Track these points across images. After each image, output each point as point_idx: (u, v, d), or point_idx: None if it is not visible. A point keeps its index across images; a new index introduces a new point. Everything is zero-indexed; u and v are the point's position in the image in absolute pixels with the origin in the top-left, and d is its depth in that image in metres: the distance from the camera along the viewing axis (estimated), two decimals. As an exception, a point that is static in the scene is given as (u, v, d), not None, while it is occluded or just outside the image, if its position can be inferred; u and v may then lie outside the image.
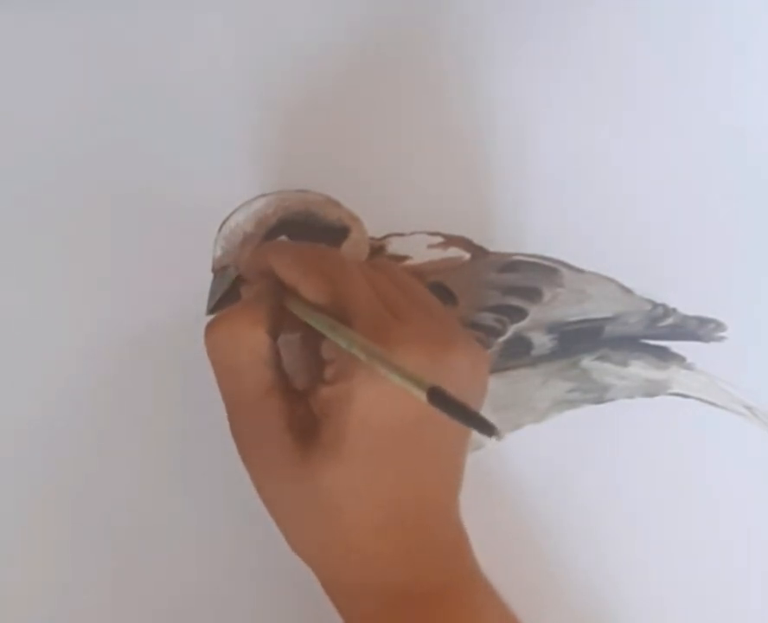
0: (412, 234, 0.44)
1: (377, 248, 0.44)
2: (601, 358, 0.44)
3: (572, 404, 0.44)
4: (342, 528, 0.36)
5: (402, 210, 0.44)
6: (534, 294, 0.44)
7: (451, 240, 0.44)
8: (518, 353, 0.44)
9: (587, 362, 0.44)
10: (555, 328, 0.44)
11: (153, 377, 0.42)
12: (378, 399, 0.34)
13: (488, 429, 0.29)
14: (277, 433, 0.36)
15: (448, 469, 0.38)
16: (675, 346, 0.44)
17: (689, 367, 0.44)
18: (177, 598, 0.41)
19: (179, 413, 0.42)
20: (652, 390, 0.44)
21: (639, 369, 0.44)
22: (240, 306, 0.38)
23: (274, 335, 0.37)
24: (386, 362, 0.32)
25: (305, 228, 0.43)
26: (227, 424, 0.37)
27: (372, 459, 0.35)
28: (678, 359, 0.44)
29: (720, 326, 0.44)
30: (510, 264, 0.44)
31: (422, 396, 0.30)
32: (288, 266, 0.37)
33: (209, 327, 0.37)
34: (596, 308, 0.44)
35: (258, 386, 0.36)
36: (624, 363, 0.44)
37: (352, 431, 0.35)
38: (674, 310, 0.45)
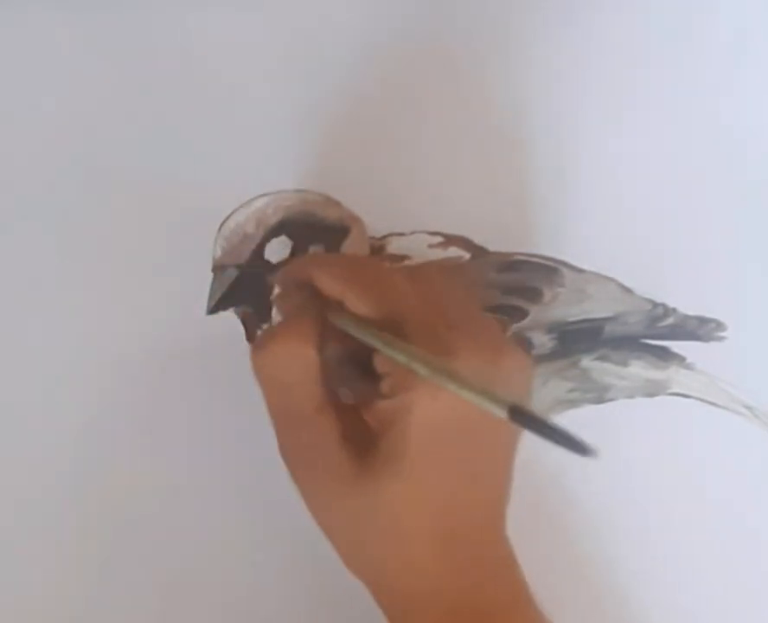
0: (412, 233, 0.44)
1: (377, 248, 0.44)
2: (601, 358, 0.44)
3: (572, 404, 0.44)
4: (401, 541, 0.35)
5: (402, 210, 0.44)
6: (534, 294, 0.44)
7: (451, 240, 0.44)
8: (518, 353, 0.44)
9: (587, 362, 0.44)
10: (555, 328, 0.44)
11: (154, 379, 0.42)
12: (438, 410, 0.34)
13: (580, 449, 0.28)
14: (331, 449, 0.35)
15: (502, 475, 0.37)
16: (675, 346, 0.44)
17: (689, 367, 0.44)
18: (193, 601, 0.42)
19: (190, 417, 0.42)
20: (652, 390, 0.44)
21: (639, 369, 0.44)
22: (288, 324, 0.37)
23: (321, 350, 0.36)
24: (455, 378, 0.31)
25: (305, 228, 0.43)
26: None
27: (432, 470, 0.35)
28: (678, 359, 0.44)
29: (719, 326, 0.44)
30: (510, 264, 0.44)
31: (501, 414, 0.29)
32: (332, 279, 0.36)
33: (257, 346, 0.36)
34: (596, 308, 0.44)
35: (310, 403, 0.36)
36: (624, 363, 0.44)
37: (414, 443, 0.34)
38: (674, 310, 0.45)
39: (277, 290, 0.41)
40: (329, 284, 0.36)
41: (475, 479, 0.36)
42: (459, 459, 0.35)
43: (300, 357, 0.36)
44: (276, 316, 0.42)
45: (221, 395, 0.42)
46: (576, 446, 0.28)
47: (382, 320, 0.35)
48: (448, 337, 0.35)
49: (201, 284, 0.43)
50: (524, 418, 0.29)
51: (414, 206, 0.44)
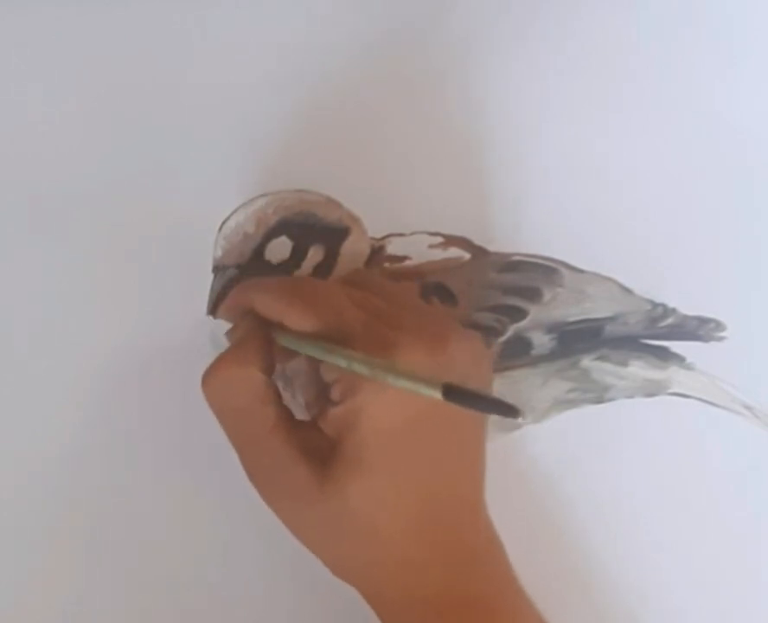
0: (413, 234, 0.44)
1: (377, 248, 0.44)
2: (601, 358, 0.44)
3: (572, 404, 0.44)
4: (378, 541, 0.36)
5: (402, 210, 0.44)
6: (534, 294, 0.44)
7: (451, 240, 0.44)
8: (518, 353, 0.44)
9: (587, 362, 0.44)
10: (555, 328, 0.44)
11: (151, 380, 0.43)
12: (388, 406, 0.34)
13: (510, 411, 0.29)
14: (290, 464, 0.36)
15: (469, 461, 0.38)
16: (675, 346, 0.44)
17: (689, 367, 0.44)
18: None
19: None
20: (652, 390, 0.44)
21: (639, 369, 0.44)
22: (229, 350, 0.38)
23: (268, 372, 0.37)
24: (391, 371, 0.32)
25: (305, 228, 0.43)
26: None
27: (394, 467, 0.35)
28: (678, 359, 0.44)
29: (719, 326, 0.44)
30: (510, 264, 0.44)
31: (437, 395, 0.30)
32: (270, 301, 0.37)
33: (204, 377, 0.37)
34: (596, 308, 0.44)
35: (262, 424, 0.36)
36: (624, 363, 0.44)
37: (370, 443, 0.35)
38: (674, 310, 0.45)
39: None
40: (267, 306, 0.37)
41: (443, 468, 0.36)
42: (423, 449, 0.36)
43: (244, 382, 0.36)
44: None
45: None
46: (508, 410, 0.29)
47: (323, 333, 0.36)
48: (388, 336, 0.35)
49: (201, 284, 0.43)
50: (457, 395, 0.30)
51: (414, 206, 0.44)
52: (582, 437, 0.43)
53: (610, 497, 0.43)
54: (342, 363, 0.34)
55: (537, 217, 0.45)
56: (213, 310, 0.42)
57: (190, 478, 0.42)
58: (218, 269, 0.43)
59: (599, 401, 0.44)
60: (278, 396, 0.37)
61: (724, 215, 0.45)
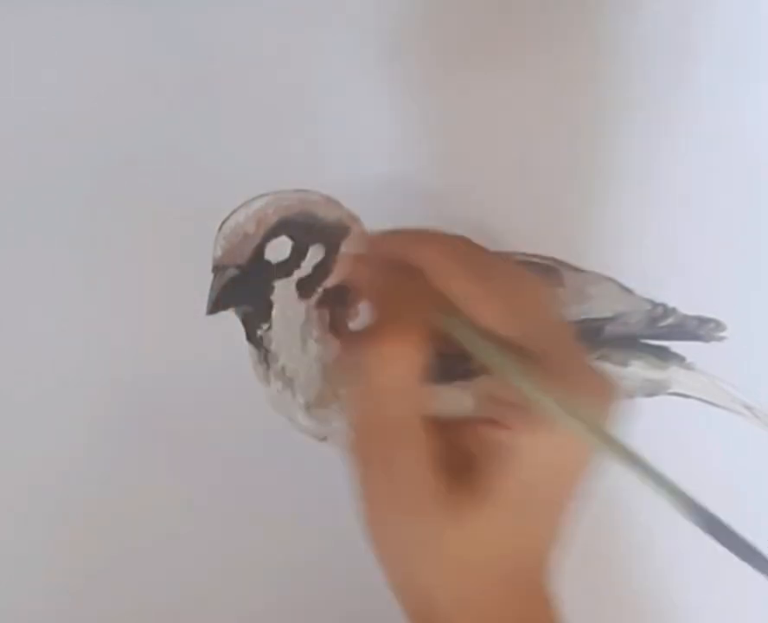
0: (413, 233, 0.44)
1: (377, 248, 0.44)
2: (601, 358, 0.44)
3: (572, 404, 0.44)
4: (463, 576, 0.33)
5: (402, 210, 0.44)
6: (534, 294, 0.44)
7: (451, 240, 0.44)
8: (518, 353, 0.43)
9: (587, 362, 0.44)
10: (555, 328, 0.44)
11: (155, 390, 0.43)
12: (546, 454, 0.32)
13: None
14: (419, 467, 0.33)
15: (563, 518, 0.35)
16: (675, 346, 0.44)
17: (689, 367, 0.44)
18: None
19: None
20: (652, 390, 0.44)
21: (639, 369, 0.44)
22: (404, 323, 0.33)
23: (427, 354, 0.33)
24: (599, 434, 0.30)
25: (305, 228, 0.43)
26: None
27: (513, 510, 0.33)
28: (678, 359, 0.44)
29: (719, 326, 0.44)
30: (510, 264, 0.44)
31: (697, 523, 0.28)
32: (462, 282, 0.33)
33: (376, 343, 0.32)
34: (596, 308, 0.44)
35: (412, 412, 0.33)
36: (624, 363, 0.44)
37: (513, 485, 0.32)
38: (674, 310, 0.45)
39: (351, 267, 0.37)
40: (458, 286, 0.33)
41: (544, 521, 0.35)
42: (538, 501, 0.34)
43: (414, 365, 0.33)
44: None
45: (226, 407, 0.42)
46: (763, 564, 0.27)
47: (514, 343, 0.32)
48: (606, 379, 0.33)
49: (202, 285, 0.43)
50: (721, 533, 0.28)
51: (410, 206, 0.44)
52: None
53: (609, 498, 0.43)
54: (534, 395, 0.30)
55: (537, 217, 0.45)
56: (213, 309, 0.42)
57: (203, 486, 0.42)
58: (218, 269, 0.43)
59: (599, 401, 0.44)
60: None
61: (724, 215, 0.45)
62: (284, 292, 0.43)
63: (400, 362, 0.32)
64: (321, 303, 0.43)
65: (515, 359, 0.31)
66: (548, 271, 0.44)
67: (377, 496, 0.34)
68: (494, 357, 0.32)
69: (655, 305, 0.44)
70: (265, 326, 0.43)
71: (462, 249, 0.35)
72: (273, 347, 0.43)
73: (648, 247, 0.45)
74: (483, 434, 0.33)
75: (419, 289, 0.34)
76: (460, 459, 0.33)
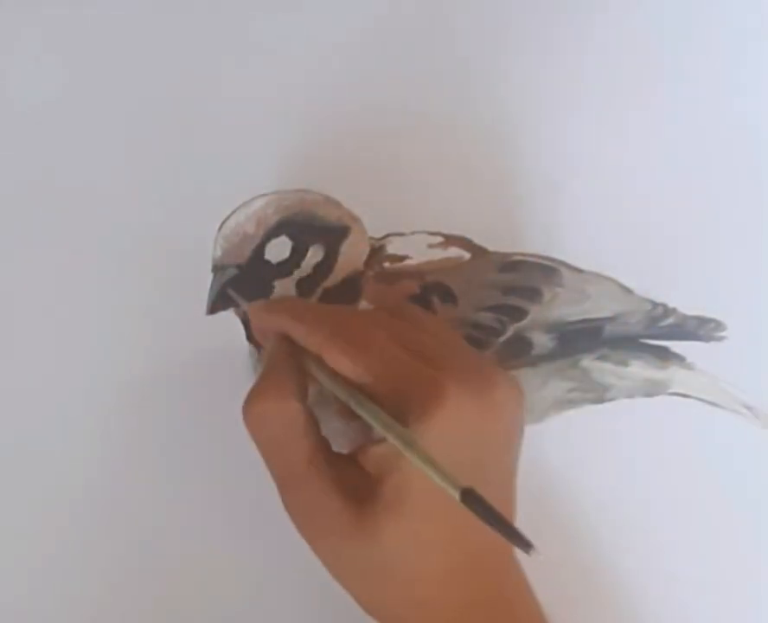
0: (413, 233, 0.44)
1: (377, 248, 0.44)
2: (601, 358, 0.44)
3: (572, 404, 0.44)
4: (411, 581, 0.35)
5: (402, 210, 0.44)
6: (534, 294, 0.44)
7: (450, 240, 0.44)
8: (518, 353, 0.44)
9: (587, 362, 0.44)
10: (555, 328, 0.44)
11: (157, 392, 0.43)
12: (432, 451, 0.33)
13: (522, 544, 0.28)
14: (327, 499, 0.35)
15: (506, 500, 0.37)
16: (675, 346, 0.44)
17: (689, 367, 0.44)
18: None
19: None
20: (652, 390, 0.44)
21: (639, 369, 0.44)
22: (265, 380, 0.36)
23: (304, 400, 0.36)
24: (412, 448, 0.31)
25: (305, 228, 0.43)
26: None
27: (432, 511, 0.34)
28: (678, 359, 0.44)
29: (719, 326, 0.44)
30: (510, 264, 0.44)
31: (455, 494, 0.29)
32: (306, 333, 0.36)
33: (245, 406, 0.36)
34: (596, 308, 0.44)
35: (300, 456, 0.35)
36: (624, 363, 0.44)
37: (412, 486, 0.34)
38: (674, 310, 0.45)
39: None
40: (306, 338, 0.36)
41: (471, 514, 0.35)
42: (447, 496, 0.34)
43: (283, 414, 0.35)
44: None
45: (226, 407, 0.42)
46: (520, 540, 0.28)
47: (362, 376, 0.35)
48: (437, 377, 0.34)
49: (201, 285, 0.43)
50: (474, 502, 0.29)
51: (414, 206, 0.44)
52: (582, 437, 0.43)
53: (610, 498, 0.43)
54: (369, 420, 0.33)
55: (537, 217, 0.45)
56: (213, 309, 0.42)
57: (208, 490, 0.42)
58: (218, 269, 0.43)
59: (599, 400, 0.44)
60: (316, 428, 0.36)
61: (724, 215, 0.45)
62: (284, 291, 0.43)
63: (275, 414, 0.35)
64: (321, 303, 0.43)
65: (360, 396, 0.34)
66: (548, 271, 0.44)
67: (310, 536, 0.36)
68: (342, 392, 0.35)
69: (655, 304, 0.44)
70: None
71: (306, 310, 0.39)
72: (273, 347, 0.43)
73: (648, 248, 0.45)
74: (373, 454, 0.35)
75: (288, 346, 0.37)
76: (364, 480, 0.35)
